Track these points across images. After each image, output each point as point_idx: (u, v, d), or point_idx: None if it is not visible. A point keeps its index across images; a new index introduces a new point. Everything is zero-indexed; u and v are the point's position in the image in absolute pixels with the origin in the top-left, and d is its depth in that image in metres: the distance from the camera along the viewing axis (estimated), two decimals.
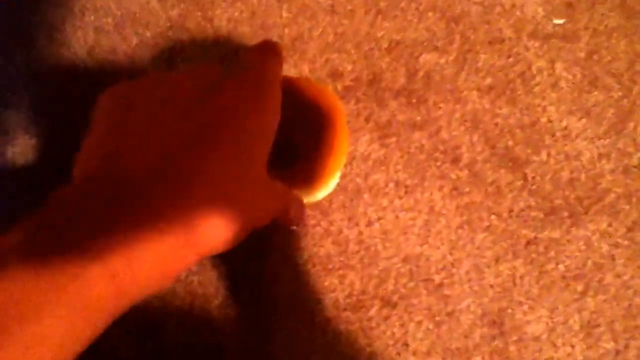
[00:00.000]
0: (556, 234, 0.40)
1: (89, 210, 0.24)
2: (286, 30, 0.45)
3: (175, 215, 0.24)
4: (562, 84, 0.44)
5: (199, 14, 0.45)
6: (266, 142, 0.29)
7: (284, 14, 0.45)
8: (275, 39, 0.44)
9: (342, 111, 0.38)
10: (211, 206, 0.25)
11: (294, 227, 0.39)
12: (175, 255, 0.25)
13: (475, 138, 0.42)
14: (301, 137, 0.37)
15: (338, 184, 0.40)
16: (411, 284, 0.39)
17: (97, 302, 0.22)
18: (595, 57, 0.45)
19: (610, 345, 0.38)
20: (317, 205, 0.40)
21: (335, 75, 0.43)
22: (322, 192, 0.38)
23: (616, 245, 0.40)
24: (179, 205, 0.25)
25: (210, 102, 0.28)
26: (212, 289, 0.39)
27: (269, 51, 0.33)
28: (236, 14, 0.45)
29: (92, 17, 0.45)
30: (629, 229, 0.41)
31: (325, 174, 0.37)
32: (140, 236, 0.24)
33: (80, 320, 0.22)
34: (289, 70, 0.44)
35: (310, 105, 0.37)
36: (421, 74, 0.44)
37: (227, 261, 0.40)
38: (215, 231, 0.26)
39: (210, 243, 0.26)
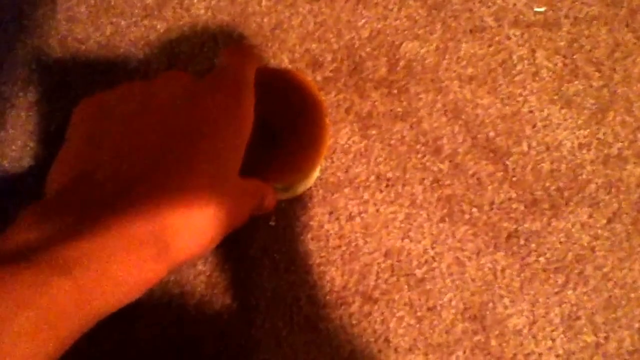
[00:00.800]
0: (537, 226, 0.36)
1: (59, 223, 0.21)
2: (265, 19, 0.39)
3: (146, 228, 0.22)
4: (543, 73, 0.40)
5: (176, 1, 0.39)
6: (241, 146, 0.26)
7: (264, 2, 0.40)
8: (254, 27, 0.39)
9: (323, 103, 0.33)
10: (184, 218, 0.23)
11: (273, 223, 0.35)
12: (146, 268, 0.22)
13: (456, 129, 0.38)
14: (281, 128, 0.32)
15: (319, 178, 0.36)
16: (392, 279, 0.35)
17: (63, 316, 0.20)
18: (576, 45, 0.40)
19: (590, 338, 0.35)
20: (297, 199, 0.36)
21: (316, 65, 0.39)
22: (302, 184, 0.33)
23: (596, 237, 0.36)
24: (150, 218, 0.22)
25: (185, 110, 0.25)
26: (188, 288, 0.34)
27: (244, 54, 0.30)
28: (214, 2, 0.39)
29: (65, 6, 0.39)
30: (609, 220, 0.37)
31: (305, 166, 0.32)
32: (109, 249, 0.21)
33: (45, 334, 0.19)
34: (269, 60, 0.38)
35: (292, 95, 0.33)
36: (402, 63, 0.39)
37: (204, 259, 0.35)
38: (188, 242, 0.23)
39: (182, 255, 0.23)
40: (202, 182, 0.23)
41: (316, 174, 0.34)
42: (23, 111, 0.37)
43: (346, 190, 0.36)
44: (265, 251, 0.35)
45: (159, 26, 0.39)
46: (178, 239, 0.23)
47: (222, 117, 0.25)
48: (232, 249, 0.35)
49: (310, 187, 0.35)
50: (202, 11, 0.39)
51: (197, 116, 0.25)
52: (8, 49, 0.38)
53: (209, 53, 0.38)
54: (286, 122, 0.32)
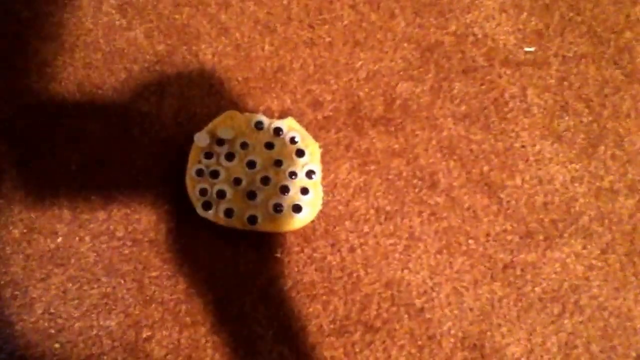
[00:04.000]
0: (532, 257, 0.39)
1: None
2: (268, 63, 0.43)
3: None
4: (534, 109, 0.43)
5: (185, 48, 0.43)
6: None
7: (266, 47, 0.44)
8: (258, 71, 0.42)
9: None
10: None
11: (278, 255, 0.38)
12: None
13: (451, 164, 0.41)
14: None
15: (321, 211, 0.39)
16: (393, 309, 0.37)
17: None
18: (566, 83, 0.44)
19: None
20: (300, 232, 0.38)
21: (316, 105, 0.42)
22: None
23: (591, 267, 0.39)
24: None
25: None
26: (199, 317, 0.37)
27: None
28: (220, 47, 0.43)
29: (82, 54, 0.43)
30: (603, 251, 0.39)
31: None
32: None
33: None
34: (272, 101, 0.42)
35: None
36: (398, 102, 0.42)
37: (212, 289, 0.38)
38: None
39: None
40: None
41: None
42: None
43: (347, 223, 0.39)
44: (272, 282, 0.38)
45: (169, 71, 0.42)
46: None
47: None
48: (240, 279, 0.37)
49: (312, 220, 0.38)
50: (209, 57, 0.43)
51: None
52: (31, 95, 0.42)
53: (217, 96, 0.42)
54: None
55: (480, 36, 0.44)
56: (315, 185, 0.38)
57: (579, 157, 0.41)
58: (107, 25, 0.43)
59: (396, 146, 0.41)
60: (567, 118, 0.42)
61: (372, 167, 0.40)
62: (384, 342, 0.36)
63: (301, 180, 0.37)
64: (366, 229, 0.39)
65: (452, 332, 0.37)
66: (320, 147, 0.39)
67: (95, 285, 0.37)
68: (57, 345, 0.36)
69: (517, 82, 0.43)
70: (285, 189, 0.37)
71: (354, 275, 0.38)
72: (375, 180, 0.40)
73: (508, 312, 0.37)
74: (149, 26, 0.43)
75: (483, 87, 0.43)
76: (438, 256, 0.38)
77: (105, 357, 0.36)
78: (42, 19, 0.43)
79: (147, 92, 0.42)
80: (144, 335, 0.36)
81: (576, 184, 0.41)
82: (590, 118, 0.42)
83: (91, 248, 0.38)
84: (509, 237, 0.39)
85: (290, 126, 0.39)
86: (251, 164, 0.38)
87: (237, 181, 0.37)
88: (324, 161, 0.39)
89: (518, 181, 0.40)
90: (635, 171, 0.41)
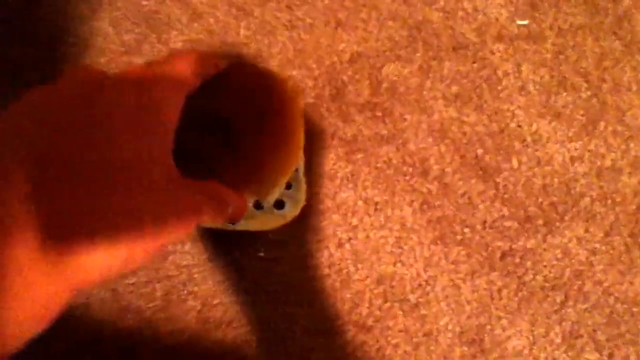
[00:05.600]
0: (532, 244, 0.37)
1: None
2: (245, 49, 0.41)
3: (42, 246, 0.20)
4: (530, 86, 0.41)
5: (154, 36, 0.41)
6: (158, 149, 0.24)
7: (242, 32, 0.41)
8: (233, 58, 0.41)
9: (295, 104, 0.32)
10: (84, 233, 0.21)
11: (262, 254, 0.36)
12: (45, 291, 0.20)
13: (443, 148, 0.39)
14: (246, 130, 0.31)
15: (306, 205, 0.37)
16: (386, 306, 0.36)
17: None
18: (562, 57, 0.42)
19: (594, 356, 0.35)
20: (284, 229, 0.37)
21: (297, 92, 0.40)
22: (272, 192, 0.32)
23: (594, 252, 0.37)
24: (47, 236, 0.20)
25: (90, 106, 0.23)
26: (180, 324, 0.35)
27: (189, 52, 0.28)
28: (193, 34, 0.41)
29: (44, 46, 0.41)
30: (607, 234, 0.37)
31: (271, 169, 0.31)
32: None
33: None
34: None
35: (258, 95, 0.31)
36: (385, 85, 0.40)
37: (191, 295, 0.36)
38: (88, 261, 0.21)
39: (84, 273, 0.21)
40: (104, 196, 0.22)
41: (284, 179, 0.32)
42: None
43: (334, 216, 0.37)
44: (256, 283, 0.36)
45: (138, 62, 0.40)
46: (79, 261, 0.21)
47: (128, 116, 0.23)
48: (222, 282, 0.36)
49: (298, 215, 0.36)
50: (180, 44, 0.41)
51: (102, 112, 0.23)
52: None
53: None
54: (252, 124, 0.31)
55: (470, 10, 0.42)
56: (298, 178, 0.36)
57: (579, 135, 0.39)
58: (69, 14, 0.41)
59: (384, 132, 0.39)
60: (564, 94, 0.40)
61: (359, 156, 0.38)
62: (377, 341, 0.35)
63: None
64: (355, 222, 0.37)
65: (450, 327, 0.35)
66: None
67: None
68: None
69: (511, 58, 0.41)
70: None
71: (344, 272, 0.36)
72: (363, 170, 0.38)
73: (508, 303, 0.36)
74: (115, 15, 0.41)
75: (475, 65, 0.41)
76: (432, 247, 0.37)
77: None
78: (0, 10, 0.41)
79: None
80: (120, 345, 0.35)
81: (576, 164, 0.39)
82: (589, 93, 0.41)
83: None
84: (507, 224, 0.37)
85: None
86: None
87: None
88: (307, 152, 0.37)
89: (515, 163, 0.39)
90: (638, 147, 0.39)
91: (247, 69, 0.33)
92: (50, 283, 0.21)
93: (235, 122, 0.30)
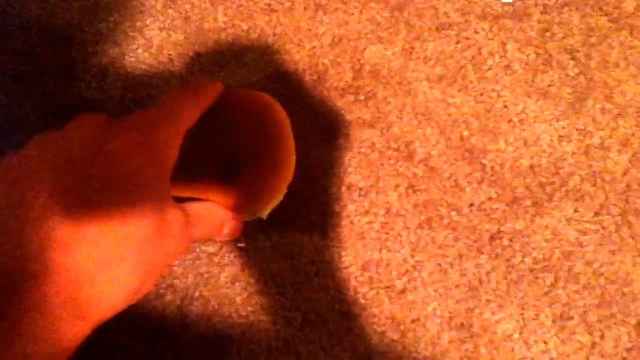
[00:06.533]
0: (520, 225, 0.36)
1: None
2: (222, 35, 0.40)
3: (56, 289, 0.22)
4: (516, 65, 0.40)
5: (128, 24, 0.40)
6: (160, 178, 0.26)
7: (220, 17, 0.40)
8: (211, 44, 0.40)
9: (288, 125, 0.34)
10: (96, 272, 0.23)
11: (242, 245, 0.35)
12: (62, 329, 0.22)
13: (428, 131, 0.38)
14: (245, 152, 0.33)
15: (287, 193, 0.36)
16: (372, 293, 0.35)
17: None
18: (548, 34, 0.41)
19: (585, 338, 0.34)
20: (265, 219, 0.36)
21: (277, 77, 0.39)
22: (268, 208, 0.34)
23: (584, 232, 0.36)
24: (58, 278, 0.22)
25: (94, 154, 0.25)
26: (158, 320, 0.35)
27: (184, 90, 0.30)
28: (168, 21, 0.40)
29: (16, 37, 0.40)
30: (596, 213, 0.37)
31: (270, 191, 0.33)
32: (19, 316, 0.21)
33: None
34: (228, 76, 0.39)
35: (255, 119, 0.33)
36: (367, 68, 0.39)
37: (176, 286, 0.35)
38: (106, 298, 0.24)
39: (102, 310, 0.24)
40: (114, 231, 0.24)
41: (281, 196, 0.34)
42: None
43: (317, 204, 0.36)
44: (236, 275, 0.35)
45: (111, 51, 0.39)
46: (92, 298, 0.23)
47: (135, 154, 0.25)
48: (202, 275, 0.35)
49: (280, 204, 0.36)
50: (156, 32, 0.40)
51: (106, 158, 0.25)
52: None
53: (166, 75, 0.39)
54: (250, 147, 0.33)
55: None
56: None
57: (566, 114, 0.39)
58: (38, 4, 0.40)
59: (367, 116, 0.38)
60: (551, 72, 0.40)
61: (342, 141, 0.38)
62: (363, 329, 0.34)
63: None
64: (338, 208, 0.36)
65: (438, 312, 0.35)
66: None
67: None
68: None
69: (496, 37, 0.41)
70: None
71: (327, 260, 0.36)
72: (346, 155, 0.37)
73: (497, 286, 0.35)
74: (85, 4, 0.40)
75: (459, 45, 0.40)
76: (418, 232, 0.36)
77: None
78: None
79: (88, 76, 0.39)
80: (97, 342, 0.34)
81: (564, 143, 0.38)
82: (576, 70, 0.40)
83: None
84: (495, 206, 0.37)
85: None
86: None
87: None
88: None
89: (501, 144, 0.38)
90: (627, 124, 0.39)
91: (239, 94, 0.34)
92: (74, 324, 0.23)
93: (233, 151, 0.32)
